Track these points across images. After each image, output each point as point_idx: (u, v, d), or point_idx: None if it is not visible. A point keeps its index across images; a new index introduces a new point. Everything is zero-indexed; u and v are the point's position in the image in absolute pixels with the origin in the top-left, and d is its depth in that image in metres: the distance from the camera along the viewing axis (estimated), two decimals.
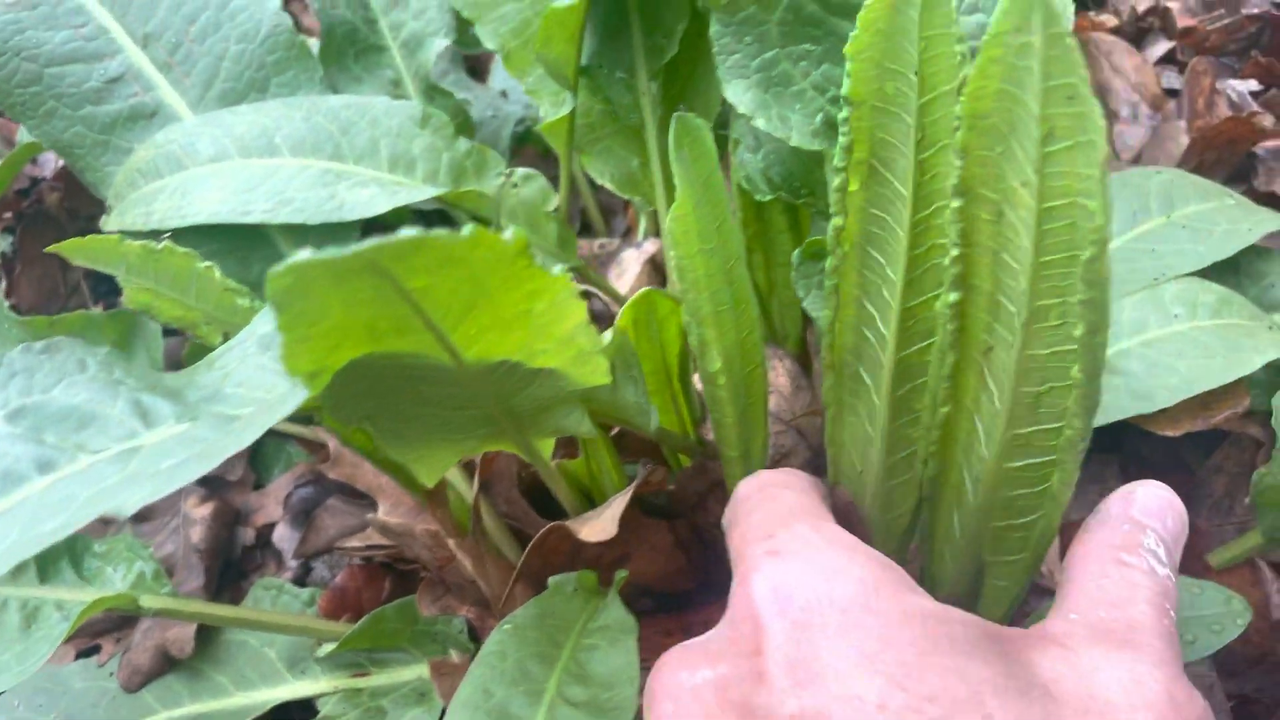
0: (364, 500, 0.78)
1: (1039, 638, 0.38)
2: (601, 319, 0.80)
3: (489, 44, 0.75)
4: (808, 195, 0.62)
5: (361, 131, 0.71)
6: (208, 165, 0.70)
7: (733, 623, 0.39)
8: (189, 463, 0.37)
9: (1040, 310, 0.41)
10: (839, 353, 0.53)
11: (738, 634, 0.38)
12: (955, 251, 0.44)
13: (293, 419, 0.63)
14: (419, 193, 0.69)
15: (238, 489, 0.83)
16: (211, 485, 0.82)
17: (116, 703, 0.69)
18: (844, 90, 0.46)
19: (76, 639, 0.76)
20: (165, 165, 0.71)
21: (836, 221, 0.50)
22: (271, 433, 0.69)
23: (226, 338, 0.53)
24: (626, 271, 0.82)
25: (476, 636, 0.69)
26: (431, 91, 0.83)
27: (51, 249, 0.63)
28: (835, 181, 0.49)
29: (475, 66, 1.06)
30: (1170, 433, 0.65)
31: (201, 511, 0.78)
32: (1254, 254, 0.72)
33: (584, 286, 0.78)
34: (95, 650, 0.75)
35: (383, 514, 0.71)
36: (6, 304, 0.78)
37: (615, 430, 0.66)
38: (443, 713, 0.64)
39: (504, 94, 0.96)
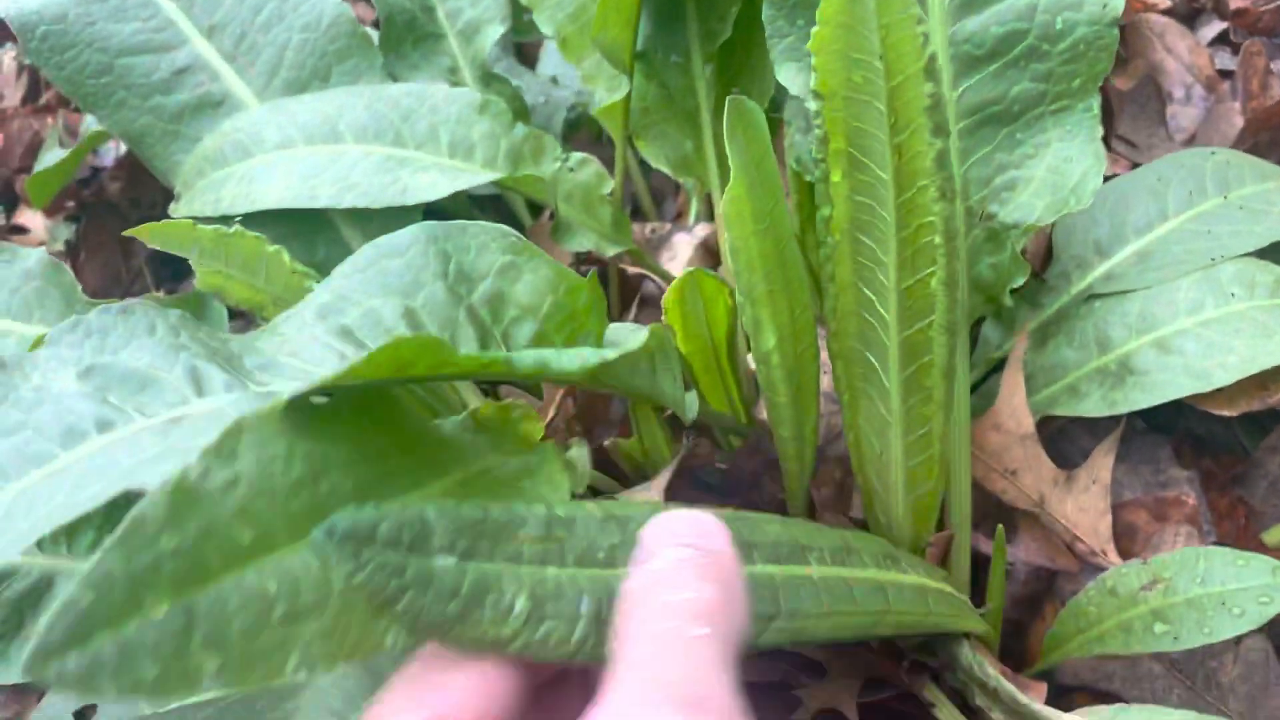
0: None
1: None
2: (655, 302, 0.81)
3: (545, 30, 0.77)
4: None
5: (422, 118, 0.72)
6: (274, 152, 0.72)
7: None
8: None
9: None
10: (844, 340, 0.54)
11: None
12: None
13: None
14: (478, 177, 0.70)
15: None
16: None
17: None
18: (812, 84, 0.47)
19: None
20: (232, 153, 0.73)
21: (824, 212, 0.51)
22: None
23: None
24: (678, 255, 0.83)
25: None
26: (488, 78, 0.84)
27: (128, 233, 0.65)
28: (818, 172, 0.50)
29: (525, 54, 1.07)
30: (1227, 412, 0.65)
31: None
32: None
33: (637, 269, 0.80)
34: None
35: None
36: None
37: (669, 410, 0.68)
38: None
39: (555, 80, 0.97)
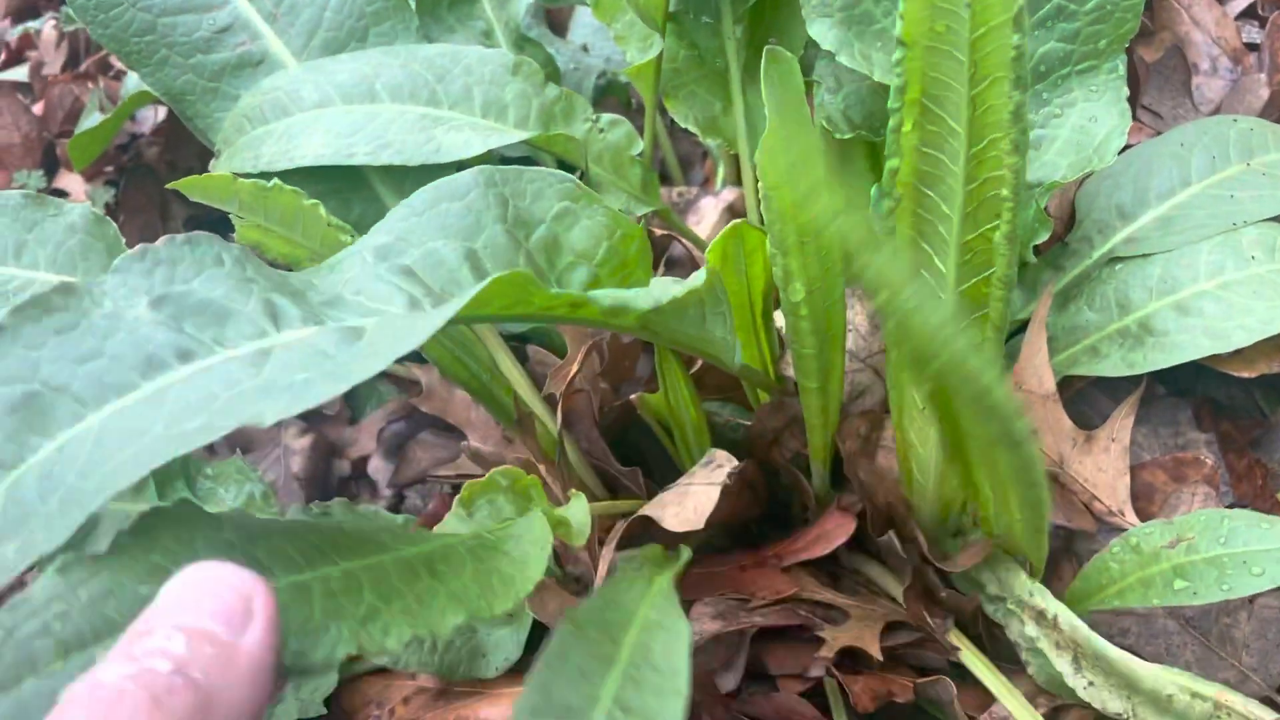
0: (454, 434, 0.81)
1: None
2: (682, 263, 0.82)
3: None
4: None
5: (456, 79, 0.74)
6: (312, 111, 0.74)
7: None
8: (321, 381, 0.38)
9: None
10: None
11: None
12: None
13: None
14: (511, 137, 0.72)
15: (334, 423, 0.87)
16: (310, 418, 0.87)
17: None
18: (897, 32, 0.47)
19: None
20: (271, 111, 0.75)
21: (892, 163, 0.51)
22: None
23: None
24: (705, 218, 0.84)
25: (561, 562, 0.72)
26: (521, 41, 0.86)
27: (171, 185, 0.67)
28: (890, 123, 0.50)
29: (555, 22, 1.08)
30: (1245, 374, 0.66)
31: (301, 443, 0.83)
32: None
33: (666, 230, 0.81)
34: None
35: (474, 443, 0.74)
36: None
37: (695, 367, 0.69)
38: (531, 628, 0.67)
39: (584, 48, 0.98)
